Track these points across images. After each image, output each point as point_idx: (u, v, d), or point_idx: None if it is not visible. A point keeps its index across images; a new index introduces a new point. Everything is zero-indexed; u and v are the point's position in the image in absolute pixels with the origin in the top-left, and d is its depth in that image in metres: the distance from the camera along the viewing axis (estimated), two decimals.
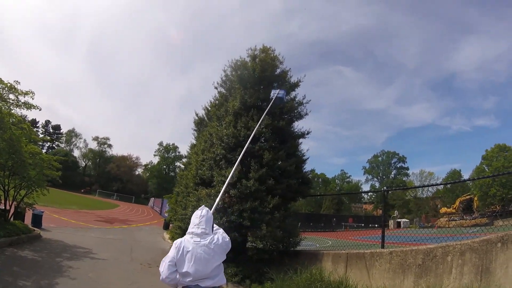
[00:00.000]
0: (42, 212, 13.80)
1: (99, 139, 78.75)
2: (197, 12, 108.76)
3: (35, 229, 12.10)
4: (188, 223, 2.83)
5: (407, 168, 68.65)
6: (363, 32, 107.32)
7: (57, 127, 77.83)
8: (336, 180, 73.91)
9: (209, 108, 12.10)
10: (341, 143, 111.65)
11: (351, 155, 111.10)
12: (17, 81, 8.08)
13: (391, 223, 38.61)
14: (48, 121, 76.85)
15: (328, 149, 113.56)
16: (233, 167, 7.46)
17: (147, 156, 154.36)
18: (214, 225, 2.88)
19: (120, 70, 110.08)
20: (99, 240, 13.24)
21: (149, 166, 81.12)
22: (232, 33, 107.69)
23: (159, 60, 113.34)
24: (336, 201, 60.59)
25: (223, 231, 2.93)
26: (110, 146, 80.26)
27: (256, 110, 8.15)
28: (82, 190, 63.21)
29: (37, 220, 13.20)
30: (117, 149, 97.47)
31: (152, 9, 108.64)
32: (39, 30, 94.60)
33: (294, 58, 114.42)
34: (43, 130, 76.41)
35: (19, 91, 8.14)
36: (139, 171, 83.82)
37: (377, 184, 70.00)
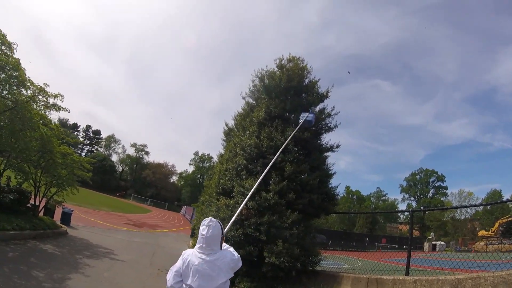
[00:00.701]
0: (72, 210, 14.33)
1: (137, 146, 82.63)
2: (235, 24, 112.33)
3: (63, 226, 12.56)
4: None
5: (446, 188, 65.58)
6: (400, 45, 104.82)
7: (97, 132, 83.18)
8: (372, 198, 71.19)
9: (237, 118, 12.02)
10: (377, 159, 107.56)
11: (387, 172, 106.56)
12: (46, 84, 8.51)
13: (426, 245, 35.90)
14: (89, 126, 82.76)
15: (364, 165, 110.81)
16: (254, 179, 7.26)
17: (182, 163, 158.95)
18: (224, 243, 2.76)
19: (159, 78, 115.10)
20: (123, 242, 13.45)
21: (183, 175, 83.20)
22: (269, 45, 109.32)
23: (197, 69, 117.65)
24: (370, 220, 57.96)
25: (233, 249, 2.80)
26: (147, 153, 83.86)
27: (280, 121, 7.85)
28: (118, 194, 66.04)
29: (65, 217, 13.73)
30: (153, 156, 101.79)
31: (191, 20, 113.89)
32: (83, 38, 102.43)
33: (331, 71, 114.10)
34: (84, 134, 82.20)
35: (48, 93, 8.57)
36: (174, 178, 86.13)
37: (414, 204, 66.47)
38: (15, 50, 7.51)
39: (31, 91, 8.11)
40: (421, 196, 65.82)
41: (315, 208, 7.26)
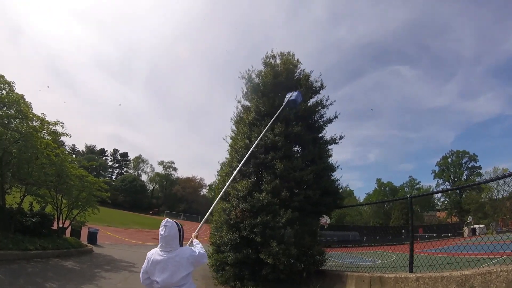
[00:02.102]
0: (97, 230, 15.02)
1: (165, 163, 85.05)
2: (246, 29, 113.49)
3: (88, 245, 13.16)
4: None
5: (480, 167, 62.10)
6: (414, 27, 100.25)
7: (124, 155, 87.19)
8: (405, 188, 68.00)
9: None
10: (407, 147, 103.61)
11: (419, 160, 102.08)
12: (43, 113, 9.35)
13: (465, 230, 33.53)
14: (116, 149, 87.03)
15: (395, 155, 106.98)
16: (247, 180, 7.23)
17: (210, 175, 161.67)
18: (196, 241, 3.25)
19: (179, 93, 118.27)
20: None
21: (213, 186, 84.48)
22: (281, 46, 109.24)
23: (214, 79, 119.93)
24: (406, 211, 55.32)
25: (201, 246, 3.12)
26: (175, 169, 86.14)
27: (269, 119, 7.72)
28: (151, 212, 68.29)
29: (92, 237, 14.39)
30: (181, 171, 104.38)
31: (203, 33, 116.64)
32: (99, 65, 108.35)
33: (348, 63, 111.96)
34: (112, 158, 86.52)
35: (48, 122, 9.42)
36: (204, 191, 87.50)
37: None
38: (14, 88, 8.29)
39: (38, 123, 8.80)
40: (455, 179, 62.31)
41: (314, 205, 7.00)
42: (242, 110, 10.14)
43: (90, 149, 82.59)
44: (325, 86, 9.29)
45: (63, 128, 9.55)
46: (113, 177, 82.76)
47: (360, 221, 59.57)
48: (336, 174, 8.65)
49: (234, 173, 6.32)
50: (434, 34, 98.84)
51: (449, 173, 64.08)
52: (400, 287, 4.40)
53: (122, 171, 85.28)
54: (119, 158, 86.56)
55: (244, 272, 6.85)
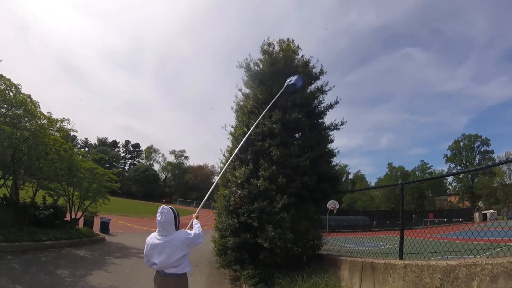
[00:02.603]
0: (109, 219, 15.63)
1: (176, 152, 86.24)
2: (253, 18, 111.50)
3: (101, 234, 13.75)
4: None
5: (492, 152, 61.51)
6: (425, 8, 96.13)
7: (136, 145, 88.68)
8: (417, 172, 67.47)
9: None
10: (419, 132, 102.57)
11: (432, 144, 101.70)
12: (50, 112, 9.91)
13: (476, 215, 33.31)
14: (128, 140, 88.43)
15: (407, 139, 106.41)
16: (246, 167, 7.35)
17: (219, 163, 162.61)
18: (196, 221, 3.57)
19: (187, 83, 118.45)
20: None
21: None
22: (290, 34, 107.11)
23: (222, 69, 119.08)
24: (417, 196, 55.07)
25: (198, 226, 3.45)
26: (186, 157, 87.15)
27: (266, 107, 7.77)
28: (164, 200, 69.70)
29: (104, 226, 15.01)
30: (193, 159, 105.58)
31: (209, 20, 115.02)
32: (108, 57, 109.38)
33: (358, 48, 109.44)
34: (124, 149, 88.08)
35: (55, 119, 9.94)
36: (215, 178, 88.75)
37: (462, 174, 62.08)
38: (21, 89, 8.72)
39: (45, 121, 9.20)
40: (467, 163, 61.54)
41: (310, 191, 7.06)
42: (243, 98, 10.18)
43: (102, 142, 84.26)
44: (325, 72, 9.16)
45: (69, 124, 9.96)
46: (126, 167, 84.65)
47: (371, 206, 59.53)
48: (336, 160, 8.72)
49: (230, 159, 6.52)
50: (446, 16, 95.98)
51: (461, 157, 63.45)
52: (389, 273, 4.46)
53: (135, 162, 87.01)
54: (131, 149, 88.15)
55: (244, 256, 7.08)
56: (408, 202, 53.37)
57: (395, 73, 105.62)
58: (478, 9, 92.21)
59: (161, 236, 3.04)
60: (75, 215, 12.50)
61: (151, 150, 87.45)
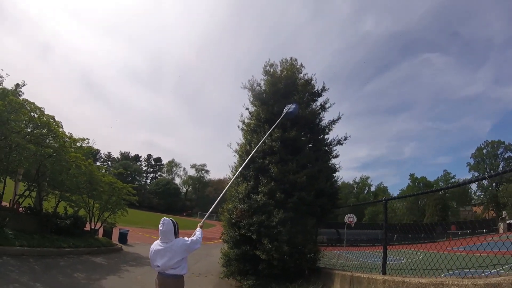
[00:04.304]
0: (127, 230, 16.38)
1: (197, 166, 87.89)
2: (270, 32, 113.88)
3: (118, 244, 14.45)
4: None
5: None
6: (441, 12, 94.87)
7: (158, 160, 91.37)
8: (440, 183, 64.63)
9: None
10: (443, 139, 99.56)
11: (456, 151, 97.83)
12: (70, 133, 11.04)
13: (501, 226, 31.28)
14: (150, 155, 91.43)
15: (431, 148, 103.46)
16: (247, 183, 7.78)
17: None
18: (198, 229, 3.96)
19: (207, 98, 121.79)
20: None
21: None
22: (306, 44, 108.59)
23: (240, 83, 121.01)
24: (440, 207, 52.59)
25: (199, 233, 3.88)
26: (207, 171, 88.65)
27: (268, 125, 8.17)
28: (184, 214, 70.85)
29: (122, 237, 15.74)
30: (213, 173, 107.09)
31: (226, 37, 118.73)
32: (129, 75, 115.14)
33: (376, 57, 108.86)
34: (146, 163, 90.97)
35: (75, 139, 11.11)
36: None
37: (485, 181, 58.16)
38: (44, 111, 9.88)
39: (68, 139, 10.20)
40: (491, 171, 57.70)
41: (308, 205, 7.34)
42: (249, 116, 10.70)
43: (125, 156, 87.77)
44: (328, 89, 9.59)
45: (89, 143, 10.88)
46: (148, 181, 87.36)
47: (394, 219, 57.20)
48: (338, 175, 8.95)
49: (233, 177, 6.98)
50: (462, 19, 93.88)
51: (484, 165, 59.94)
52: (371, 287, 4.68)
53: (156, 176, 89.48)
54: (153, 163, 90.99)
55: (247, 267, 7.40)
56: (432, 213, 51.08)
57: (415, 80, 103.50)
58: (493, 9, 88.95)
59: (163, 243, 3.53)
60: (95, 225, 13.31)
61: (172, 164, 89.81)
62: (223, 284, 9.10)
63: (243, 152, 8.44)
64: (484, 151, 60.76)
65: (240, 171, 8.32)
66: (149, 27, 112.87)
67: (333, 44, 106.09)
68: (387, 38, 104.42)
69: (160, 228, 3.58)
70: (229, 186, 6.81)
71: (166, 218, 3.69)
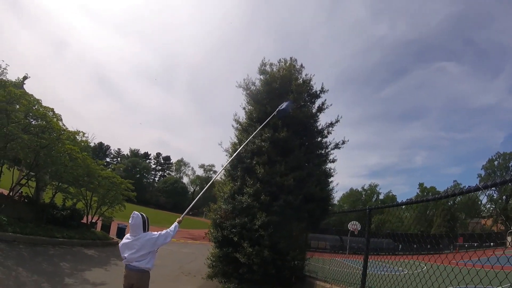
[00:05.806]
0: (126, 225, 16.51)
1: (205, 166, 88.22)
2: (283, 32, 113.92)
3: (115, 238, 14.58)
4: None
5: None
6: (456, 20, 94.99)
7: (167, 158, 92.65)
8: None
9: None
10: (455, 149, 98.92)
11: (468, 162, 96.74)
12: (64, 125, 11.26)
13: (509, 239, 29.99)
14: (159, 153, 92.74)
15: (443, 158, 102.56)
16: (234, 183, 7.64)
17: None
18: (175, 224, 4.03)
19: (219, 98, 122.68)
20: (169, 251, 14.76)
21: None
22: (321, 47, 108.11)
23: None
24: (448, 218, 51.10)
25: (172, 228, 3.92)
26: (215, 172, 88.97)
27: (259, 125, 8.04)
28: (191, 213, 71.06)
29: (120, 232, 15.88)
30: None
31: (241, 38, 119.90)
32: (142, 74, 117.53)
33: (391, 62, 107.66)
34: (155, 161, 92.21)
35: (69, 131, 11.26)
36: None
37: (495, 194, 55.93)
38: (41, 103, 10.10)
39: (64, 132, 10.42)
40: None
41: (295, 210, 7.10)
42: (243, 116, 10.58)
43: (134, 153, 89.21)
44: (327, 90, 9.33)
45: (83, 136, 11.12)
46: (156, 179, 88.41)
47: (400, 228, 56.05)
48: (333, 180, 8.67)
49: (217, 174, 6.86)
50: (477, 26, 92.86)
51: (495, 177, 58.00)
52: None
53: (165, 174, 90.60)
54: (162, 161, 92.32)
55: (230, 269, 7.24)
56: (439, 225, 49.60)
57: (429, 88, 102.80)
58: (509, 15, 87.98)
59: (131, 236, 3.64)
60: (92, 218, 13.47)
61: (181, 163, 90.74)
62: (207, 285, 8.96)
63: (233, 151, 8.32)
64: (496, 162, 59.18)
65: (228, 170, 8.25)
66: (162, 26, 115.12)
67: (347, 46, 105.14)
68: (402, 43, 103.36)
69: (130, 222, 3.64)
70: (212, 184, 6.68)
71: (136, 212, 3.74)
